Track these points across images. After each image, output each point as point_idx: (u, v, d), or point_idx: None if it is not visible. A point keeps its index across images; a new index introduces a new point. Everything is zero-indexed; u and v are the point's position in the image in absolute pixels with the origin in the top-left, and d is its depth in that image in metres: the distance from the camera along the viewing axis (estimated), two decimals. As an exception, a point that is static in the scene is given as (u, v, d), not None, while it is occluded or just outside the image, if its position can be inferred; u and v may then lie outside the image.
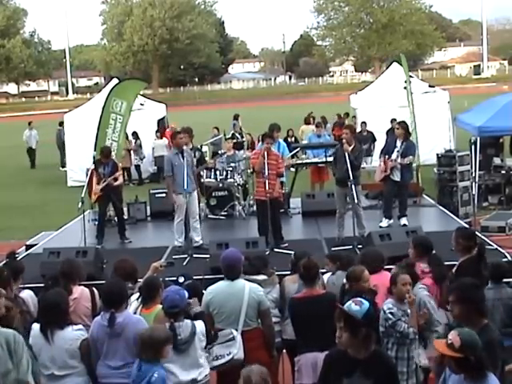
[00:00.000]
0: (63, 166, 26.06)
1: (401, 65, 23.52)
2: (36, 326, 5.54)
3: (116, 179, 11.82)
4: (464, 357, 4.19)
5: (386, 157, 11.57)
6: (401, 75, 22.07)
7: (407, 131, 11.70)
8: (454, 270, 6.70)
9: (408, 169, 11.70)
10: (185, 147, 10.93)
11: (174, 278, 6.44)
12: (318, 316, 5.84)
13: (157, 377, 4.96)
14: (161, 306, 5.80)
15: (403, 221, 11.68)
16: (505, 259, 9.28)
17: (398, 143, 11.58)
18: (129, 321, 5.48)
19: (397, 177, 11.55)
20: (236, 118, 25.83)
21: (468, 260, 6.69)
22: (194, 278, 7.05)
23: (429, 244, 6.92)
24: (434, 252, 6.92)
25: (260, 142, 11.95)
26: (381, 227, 11.48)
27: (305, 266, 6.15)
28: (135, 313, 5.86)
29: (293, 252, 7.44)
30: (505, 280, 6.24)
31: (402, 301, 5.85)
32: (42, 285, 6.70)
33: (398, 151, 11.50)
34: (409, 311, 5.84)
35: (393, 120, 18.06)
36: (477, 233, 10.51)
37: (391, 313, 5.72)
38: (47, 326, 5.45)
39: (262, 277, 6.52)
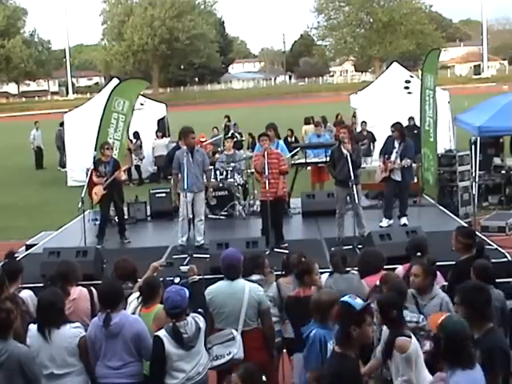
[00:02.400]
0: (63, 167, 26.07)
1: (401, 66, 23.68)
2: (33, 327, 5.55)
3: (121, 175, 11.80)
4: (438, 336, 4.38)
5: (386, 157, 11.62)
6: (401, 75, 22.17)
7: (403, 132, 11.76)
8: (451, 270, 6.70)
9: (409, 169, 11.75)
10: (196, 147, 10.94)
11: (170, 279, 6.43)
12: (309, 316, 5.83)
13: (313, 333, 5.26)
14: (160, 306, 5.81)
15: (403, 220, 11.70)
16: (504, 259, 9.30)
17: (396, 144, 11.64)
18: (126, 321, 5.49)
19: (398, 177, 11.59)
20: (229, 119, 25.85)
21: (466, 260, 6.69)
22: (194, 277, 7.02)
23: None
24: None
25: (258, 144, 11.98)
26: (381, 227, 11.51)
27: (295, 262, 6.19)
28: (134, 312, 5.87)
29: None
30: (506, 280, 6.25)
31: None
32: (41, 285, 6.70)
33: (396, 152, 11.57)
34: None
35: (410, 118, 17.89)
36: (477, 233, 10.60)
37: None
38: (45, 325, 5.46)
39: (255, 277, 6.48)
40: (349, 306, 4.69)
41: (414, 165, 15.80)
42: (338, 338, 4.71)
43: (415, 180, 14.95)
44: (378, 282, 6.18)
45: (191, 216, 10.84)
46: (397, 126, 11.74)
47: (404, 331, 5.05)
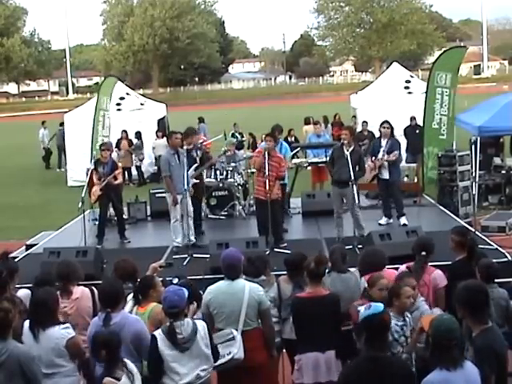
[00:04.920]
0: (61, 167, 26.05)
1: (401, 66, 23.68)
2: (26, 324, 5.55)
3: (116, 178, 11.83)
4: (428, 335, 4.51)
5: (373, 158, 11.74)
6: (401, 75, 22.17)
7: (393, 130, 12.01)
8: (446, 271, 6.71)
9: (396, 166, 11.89)
10: (179, 148, 10.98)
11: (169, 279, 6.42)
12: (322, 316, 5.83)
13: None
14: (155, 304, 5.83)
15: (402, 220, 11.74)
16: (504, 259, 9.30)
17: (383, 142, 11.88)
18: (126, 321, 5.48)
19: (386, 175, 11.80)
20: (202, 121, 25.64)
21: (460, 260, 6.73)
22: (194, 277, 7.02)
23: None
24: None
25: (263, 142, 12.00)
26: (380, 224, 11.59)
27: (317, 261, 6.05)
28: (131, 312, 5.87)
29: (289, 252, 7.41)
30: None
31: (403, 313, 5.61)
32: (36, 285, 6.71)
33: (383, 150, 11.77)
34: (407, 319, 5.61)
35: (412, 118, 18.04)
36: (477, 233, 10.61)
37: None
38: (35, 324, 5.46)
39: (260, 278, 6.48)
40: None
41: (413, 164, 15.85)
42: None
43: (415, 180, 14.98)
44: (366, 285, 6.17)
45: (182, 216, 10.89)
46: (390, 124, 12.03)
47: (116, 372, 4.89)
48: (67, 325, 5.59)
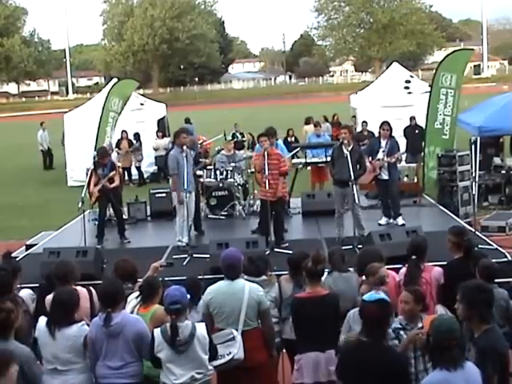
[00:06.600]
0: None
1: (401, 66, 23.68)
2: (42, 320, 5.57)
3: (112, 181, 11.78)
4: (428, 334, 4.55)
5: (370, 158, 11.72)
6: (401, 75, 22.16)
7: (392, 131, 12.06)
8: (444, 269, 6.71)
9: (395, 167, 11.89)
10: (185, 147, 10.96)
11: (174, 279, 6.43)
12: (322, 316, 5.83)
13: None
14: (158, 306, 5.82)
15: (400, 221, 11.76)
16: (504, 259, 9.31)
17: (383, 143, 11.88)
18: (127, 321, 5.48)
19: (385, 175, 11.82)
20: (188, 121, 25.62)
21: (456, 260, 6.73)
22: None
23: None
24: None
25: (257, 145, 12.01)
26: (380, 225, 11.59)
27: (314, 259, 6.03)
28: (132, 312, 5.87)
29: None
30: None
31: (411, 319, 5.44)
32: (38, 285, 6.71)
33: (383, 151, 11.77)
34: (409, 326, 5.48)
35: (412, 118, 18.10)
36: (477, 233, 10.61)
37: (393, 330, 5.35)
38: (52, 323, 5.49)
39: (261, 278, 6.49)
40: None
41: (413, 165, 15.85)
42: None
43: (415, 180, 14.98)
44: (364, 277, 6.19)
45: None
46: (387, 126, 12.01)
47: None
48: (83, 322, 5.63)
